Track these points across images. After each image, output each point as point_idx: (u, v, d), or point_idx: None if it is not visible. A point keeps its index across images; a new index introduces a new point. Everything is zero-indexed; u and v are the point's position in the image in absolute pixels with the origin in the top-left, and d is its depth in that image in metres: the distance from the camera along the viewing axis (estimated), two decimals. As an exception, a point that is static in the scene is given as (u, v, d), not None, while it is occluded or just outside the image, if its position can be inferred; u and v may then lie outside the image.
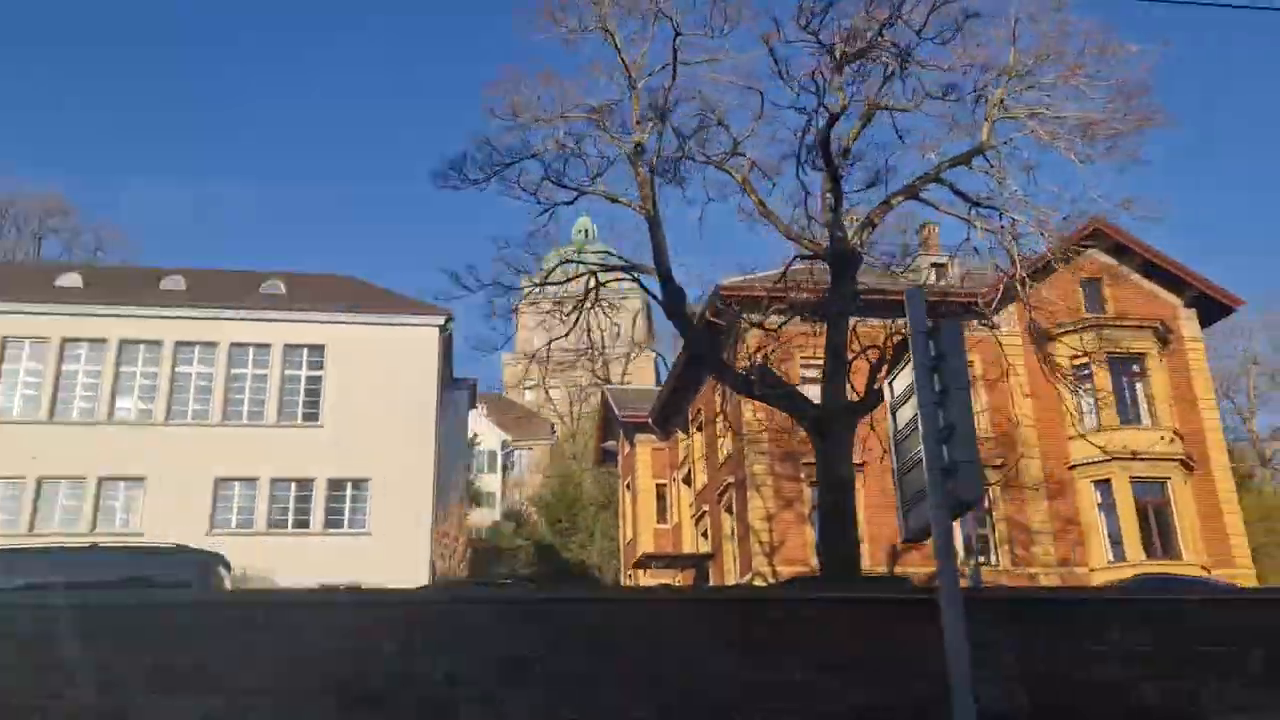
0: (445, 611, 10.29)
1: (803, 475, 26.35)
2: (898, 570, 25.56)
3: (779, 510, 26.04)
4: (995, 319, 28.35)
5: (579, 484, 53.16)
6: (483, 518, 68.51)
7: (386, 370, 30.51)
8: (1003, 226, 16.76)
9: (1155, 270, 29.39)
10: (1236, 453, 56.06)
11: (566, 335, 16.83)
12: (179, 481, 28.16)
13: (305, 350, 31.11)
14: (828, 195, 15.09)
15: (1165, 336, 28.38)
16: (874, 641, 10.28)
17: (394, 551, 27.36)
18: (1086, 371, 27.58)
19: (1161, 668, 11.18)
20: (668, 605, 11.16)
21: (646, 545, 36.26)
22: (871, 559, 25.75)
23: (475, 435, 65.11)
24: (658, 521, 36.72)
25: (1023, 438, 27.30)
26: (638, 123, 14.88)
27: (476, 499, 62.69)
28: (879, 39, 13.75)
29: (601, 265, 15.93)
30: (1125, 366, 27.83)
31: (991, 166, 16.08)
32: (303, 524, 29.27)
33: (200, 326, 30.55)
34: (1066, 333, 27.89)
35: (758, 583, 25.51)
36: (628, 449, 39.53)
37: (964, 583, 24.32)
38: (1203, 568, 25.63)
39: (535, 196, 15.08)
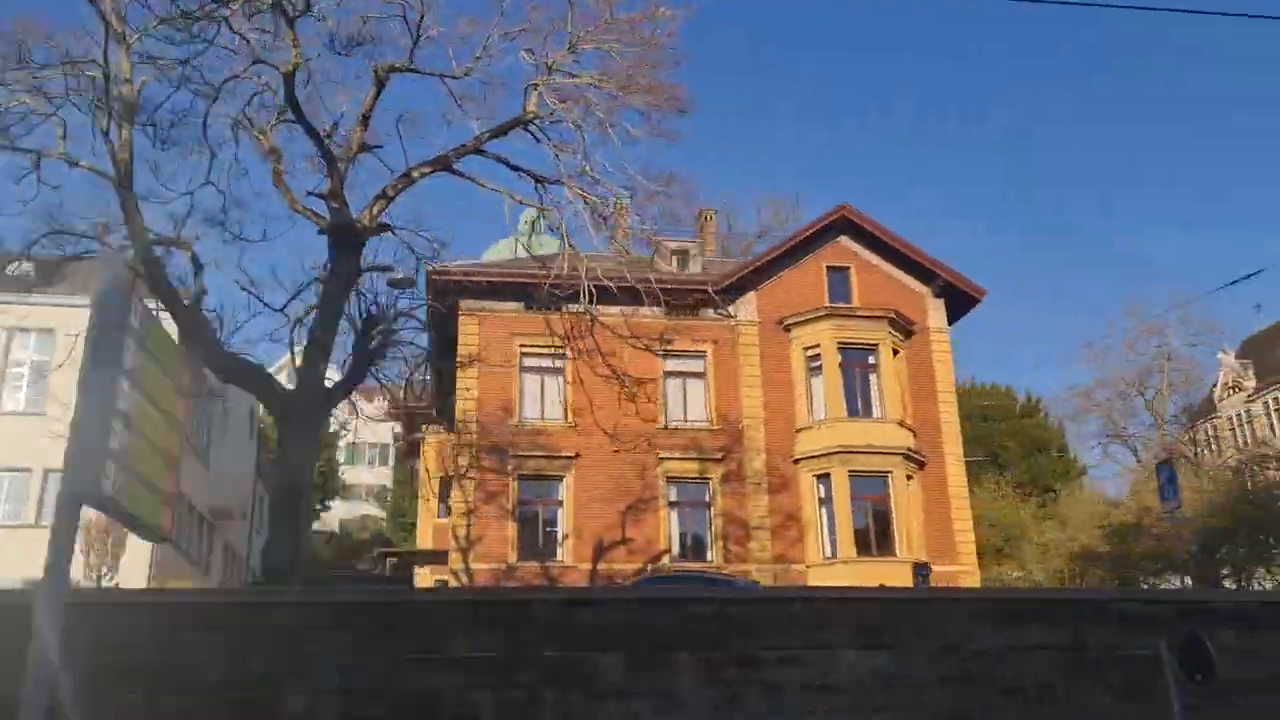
0: None
1: (510, 468, 25.42)
2: (602, 567, 24.69)
3: (481, 504, 25.05)
4: (732, 308, 27.69)
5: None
6: (350, 510, 68.45)
7: (120, 357, 29.29)
8: (579, 202, 15.86)
9: (904, 259, 28.67)
10: (1154, 448, 55.94)
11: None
12: None
13: (33, 335, 29.77)
14: (321, 162, 14.07)
15: (907, 327, 27.65)
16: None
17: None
18: (818, 363, 26.93)
19: (503, 676, 10.30)
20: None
21: (425, 540, 35.24)
22: (576, 555, 24.90)
23: (342, 428, 64.13)
24: (438, 515, 35.66)
25: (749, 429, 26.49)
26: (127, 79, 13.70)
27: (332, 492, 61.89)
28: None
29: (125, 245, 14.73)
30: (859, 357, 27.06)
31: (550, 140, 15.13)
32: (15, 515, 27.99)
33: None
34: (799, 323, 27.23)
35: (452, 583, 24.56)
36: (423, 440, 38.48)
37: (628, 581, 23.46)
38: (916, 564, 24.95)
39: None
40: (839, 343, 26.76)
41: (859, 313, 27.19)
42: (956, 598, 11.38)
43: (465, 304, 26.12)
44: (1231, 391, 67.41)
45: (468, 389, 25.65)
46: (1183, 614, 11.38)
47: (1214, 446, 66.21)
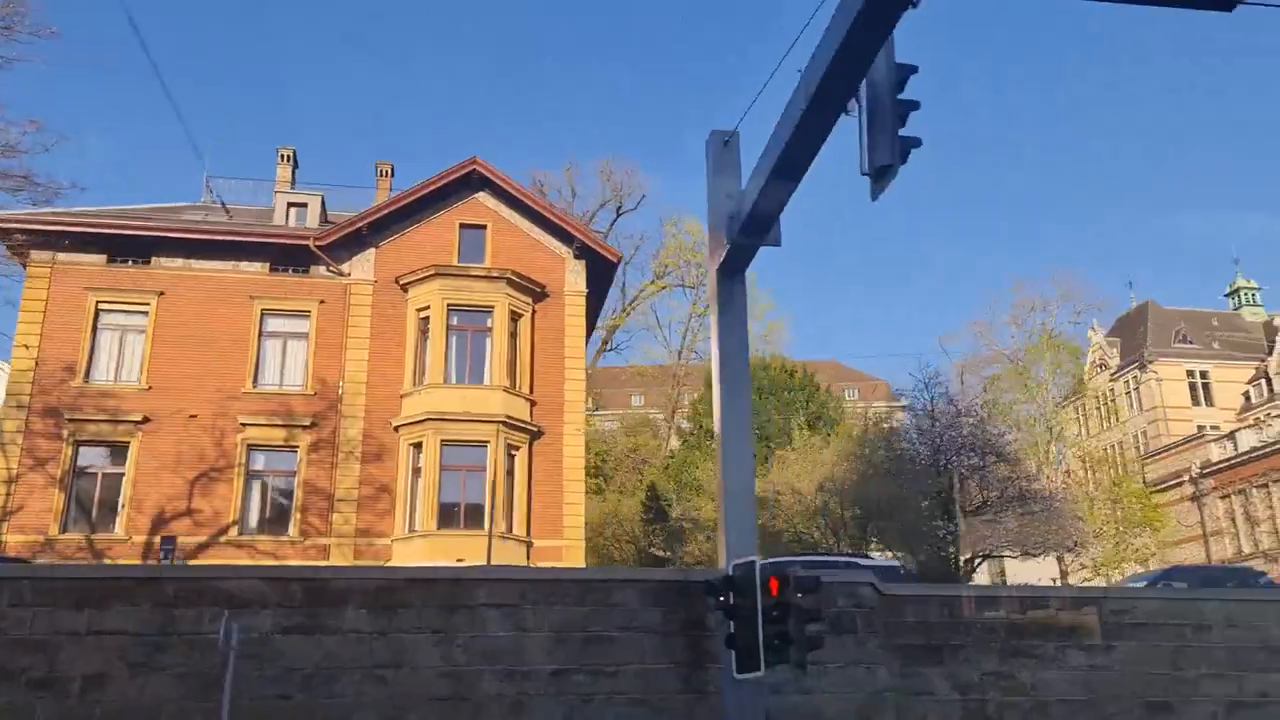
0: None
1: (66, 433, 23.45)
2: (161, 537, 22.92)
3: (27, 471, 23.06)
4: (347, 265, 26.01)
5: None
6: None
7: None
8: None
9: (544, 220, 27.15)
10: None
11: None
12: None
13: None
14: None
15: (536, 289, 26.14)
16: None
17: None
18: (427, 326, 25.38)
19: None
20: None
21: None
22: (133, 527, 23.11)
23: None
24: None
25: (350, 395, 24.82)
26: None
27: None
28: None
29: None
30: (476, 320, 25.51)
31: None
32: None
33: None
34: (413, 282, 25.64)
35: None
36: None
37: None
38: (500, 537, 23.61)
39: None
40: (450, 304, 25.19)
41: (473, 272, 25.61)
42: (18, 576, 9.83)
43: (37, 255, 24.08)
44: (1099, 370, 67.27)
45: (26, 346, 23.60)
46: (310, 591, 10.02)
47: (1083, 424, 66.20)
